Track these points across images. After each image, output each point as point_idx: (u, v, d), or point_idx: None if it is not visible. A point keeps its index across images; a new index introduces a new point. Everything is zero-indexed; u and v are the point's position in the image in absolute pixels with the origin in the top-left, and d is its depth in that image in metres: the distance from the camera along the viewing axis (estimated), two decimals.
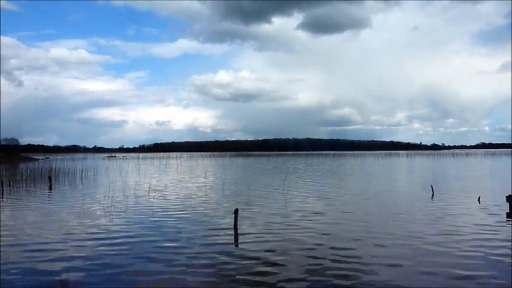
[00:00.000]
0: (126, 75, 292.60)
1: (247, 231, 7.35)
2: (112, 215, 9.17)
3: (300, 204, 10.40)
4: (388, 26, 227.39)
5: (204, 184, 16.74)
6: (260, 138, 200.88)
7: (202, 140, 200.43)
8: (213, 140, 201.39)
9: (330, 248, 6.03)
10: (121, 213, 9.33)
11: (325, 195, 12.28)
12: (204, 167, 33.38)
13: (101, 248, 6.18)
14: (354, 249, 5.92)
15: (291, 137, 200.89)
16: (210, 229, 7.47)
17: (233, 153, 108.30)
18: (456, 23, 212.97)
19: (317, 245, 6.25)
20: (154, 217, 8.77)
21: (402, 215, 8.68)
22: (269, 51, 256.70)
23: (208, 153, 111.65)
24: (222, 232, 7.28)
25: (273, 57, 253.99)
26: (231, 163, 42.60)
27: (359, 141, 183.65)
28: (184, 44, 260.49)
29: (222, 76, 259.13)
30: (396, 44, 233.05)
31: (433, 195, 11.99)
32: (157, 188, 14.84)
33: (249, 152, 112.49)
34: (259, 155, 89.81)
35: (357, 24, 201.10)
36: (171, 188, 15.24)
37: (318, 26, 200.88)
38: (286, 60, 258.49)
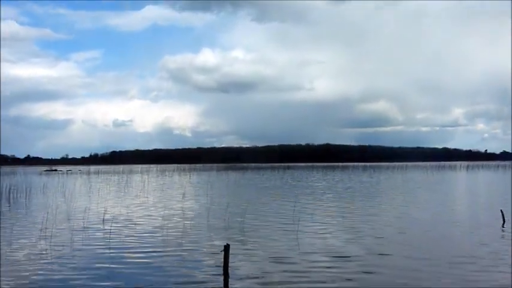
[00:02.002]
0: (73, 57, 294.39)
1: (242, 275, 7.30)
2: (47, 258, 9.08)
3: (317, 242, 10.41)
4: None
5: (181, 211, 16.86)
6: (260, 145, 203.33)
7: (179, 148, 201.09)
8: (194, 147, 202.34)
9: None
10: (61, 257, 9.24)
11: (354, 228, 12.33)
12: (182, 185, 33.21)
13: None
14: None
15: (303, 143, 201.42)
16: (188, 277, 7.39)
17: (222, 165, 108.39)
18: None
19: None
20: (110, 261, 8.76)
21: (466, 261, 8.46)
22: (272, 22, 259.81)
23: (188, 165, 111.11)
24: (206, 277, 7.25)
25: (277, 31, 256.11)
26: (219, 180, 42.73)
27: (399, 148, 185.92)
28: (153, 13, 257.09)
29: (206, 57, 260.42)
30: (452, 12, 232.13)
31: (504, 223, 12.31)
32: (116, 216, 14.96)
33: (245, 164, 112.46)
34: (258, 167, 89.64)
35: None
36: (135, 216, 15.38)
37: None
38: (297, 34, 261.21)
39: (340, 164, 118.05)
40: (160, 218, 14.61)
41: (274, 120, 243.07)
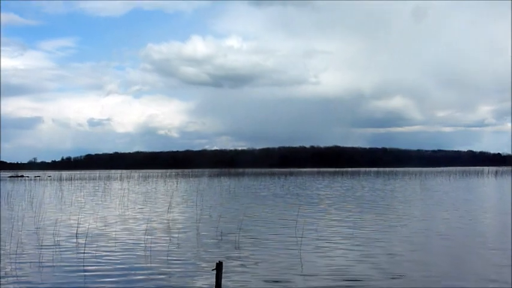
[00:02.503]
0: (42, 45, 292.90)
1: None
2: (10, 280, 8.96)
3: (322, 261, 10.39)
4: None
5: (166, 224, 16.89)
6: (258, 147, 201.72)
7: (165, 150, 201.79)
8: (183, 149, 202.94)
9: None
10: (27, 276, 9.16)
11: (365, 244, 12.31)
12: (167, 194, 33.28)
13: None
14: None
15: (307, 145, 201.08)
16: None
17: (215, 170, 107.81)
18: None
19: None
20: (83, 281, 8.64)
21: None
22: (273, 6, 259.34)
23: (175, 171, 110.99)
24: None
25: (278, 16, 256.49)
26: (210, 187, 42.68)
27: (418, 151, 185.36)
28: None
29: (197, 45, 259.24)
30: None
31: None
32: (91, 230, 14.90)
33: (241, 169, 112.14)
34: (256, 173, 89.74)
35: None
36: (113, 230, 15.36)
37: None
38: (301, 20, 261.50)
39: (350, 169, 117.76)
40: (142, 232, 14.56)
41: (274, 119, 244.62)
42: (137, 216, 19.49)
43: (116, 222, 17.53)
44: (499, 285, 8.15)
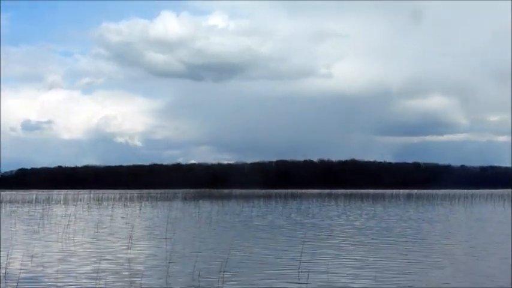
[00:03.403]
0: None
1: None
2: None
3: None
4: None
5: (125, 265, 16.78)
6: (249, 161, 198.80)
7: (124, 164, 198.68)
8: (149, 163, 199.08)
9: None
10: None
11: None
12: (127, 223, 33.35)
13: None
14: None
15: (315, 159, 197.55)
16: None
17: (191, 191, 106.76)
18: None
19: None
20: None
21: None
22: None
23: (138, 191, 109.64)
24: None
25: None
26: (185, 214, 42.87)
27: (462, 167, 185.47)
28: None
29: (168, 25, 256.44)
30: None
31: None
32: (23, 271, 14.67)
33: (226, 190, 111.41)
34: (246, 195, 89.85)
35: None
36: (53, 271, 15.14)
37: None
38: None
39: (372, 191, 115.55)
40: (92, 275, 14.38)
41: (271, 124, 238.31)
42: (85, 254, 19.27)
43: (55, 262, 17.19)
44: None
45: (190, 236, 25.95)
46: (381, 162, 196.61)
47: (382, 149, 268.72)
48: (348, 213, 44.52)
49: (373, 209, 50.81)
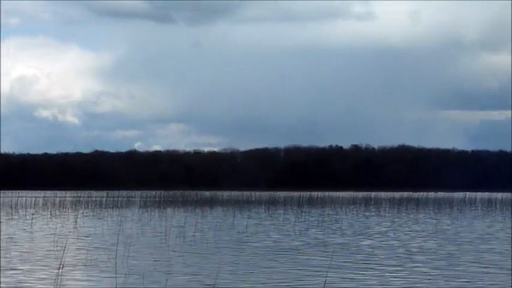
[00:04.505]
0: None
1: None
2: None
3: None
4: None
5: None
6: (243, 148, 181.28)
7: (51, 152, 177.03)
8: (89, 151, 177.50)
9: None
10: None
11: None
12: (55, 242, 32.56)
13: None
14: None
15: (345, 145, 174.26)
16: None
17: (154, 193, 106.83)
18: None
19: None
20: None
21: None
22: None
23: (73, 194, 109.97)
24: None
25: None
26: (146, 229, 42.36)
27: None
28: None
29: None
30: None
31: None
32: None
33: (208, 192, 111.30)
34: (239, 200, 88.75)
35: None
36: None
37: None
38: None
39: (433, 193, 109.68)
40: None
41: (275, 90, 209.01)
42: None
43: None
44: None
45: (152, 262, 24.62)
46: (447, 150, 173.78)
47: (448, 130, 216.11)
48: (397, 227, 43.60)
49: (434, 220, 50.62)
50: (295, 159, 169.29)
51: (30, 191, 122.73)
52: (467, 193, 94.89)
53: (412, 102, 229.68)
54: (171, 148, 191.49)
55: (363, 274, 21.97)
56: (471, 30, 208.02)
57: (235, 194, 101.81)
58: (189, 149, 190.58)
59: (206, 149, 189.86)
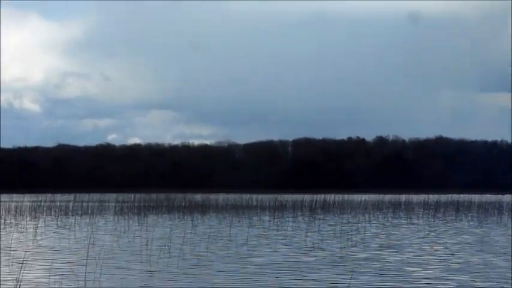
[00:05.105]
0: None
1: None
2: None
3: None
4: None
5: None
6: (243, 140, 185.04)
7: (7, 147, 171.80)
8: (52, 144, 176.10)
9: None
10: None
11: None
12: (9, 261, 32.57)
13: None
14: None
15: (369, 138, 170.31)
16: None
17: (135, 196, 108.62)
18: None
19: None
20: None
21: None
22: None
23: (33, 197, 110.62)
24: None
25: None
26: (123, 241, 41.87)
27: None
28: None
29: None
30: None
31: None
32: None
33: (200, 196, 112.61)
34: (237, 205, 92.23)
35: None
36: None
37: None
38: None
39: (477, 196, 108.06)
40: None
41: (282, 70, 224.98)
42: None
43: None
44: None
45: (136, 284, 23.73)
46: (493, 142, 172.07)
47: (495, 118, 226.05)
48: (434, 238, 43.25)
49: (479, 229, 50.52)
50: (306, 154, 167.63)
51: None
52: None
53: (449, 82, 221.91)
54: (154, 141, 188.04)
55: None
56: None
57: (232, 197, 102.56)
58: (176, 141, 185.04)
59: (197, 142, 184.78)
